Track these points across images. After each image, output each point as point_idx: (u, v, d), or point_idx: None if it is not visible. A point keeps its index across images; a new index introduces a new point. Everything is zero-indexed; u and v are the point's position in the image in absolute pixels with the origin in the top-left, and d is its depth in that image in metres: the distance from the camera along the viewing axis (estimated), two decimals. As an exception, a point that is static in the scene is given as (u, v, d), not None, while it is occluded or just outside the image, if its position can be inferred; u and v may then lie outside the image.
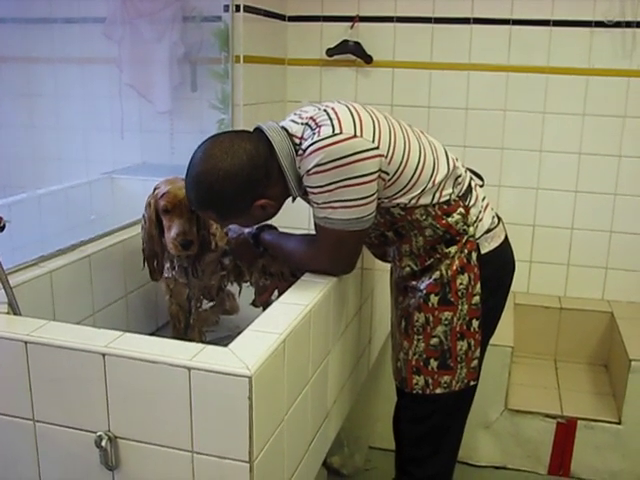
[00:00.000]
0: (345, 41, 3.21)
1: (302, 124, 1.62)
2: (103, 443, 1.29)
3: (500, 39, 3.10)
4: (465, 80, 3.18)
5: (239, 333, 1.37)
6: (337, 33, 3.24)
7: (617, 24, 2.94)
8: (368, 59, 3.22)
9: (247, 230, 1.93)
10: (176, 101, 2.91)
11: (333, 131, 1.54)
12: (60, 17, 2.84)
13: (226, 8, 2.78)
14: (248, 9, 2.84)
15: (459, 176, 1.73)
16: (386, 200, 1.65)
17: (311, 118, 1.61)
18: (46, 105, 2.95)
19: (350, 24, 3.20)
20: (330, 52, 3.24)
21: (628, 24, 2.92)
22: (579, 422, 2.70)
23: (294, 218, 2.14)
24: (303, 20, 3.29)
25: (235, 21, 2.80)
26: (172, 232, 1.81)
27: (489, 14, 3.08)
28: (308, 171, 1.56)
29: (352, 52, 3.22)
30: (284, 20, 3.28)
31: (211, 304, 2.12)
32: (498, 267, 1.80)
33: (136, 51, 2.89)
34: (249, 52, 2.88)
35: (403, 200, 1.65)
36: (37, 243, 1.99)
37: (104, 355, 1.26)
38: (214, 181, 1.55)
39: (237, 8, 2.79)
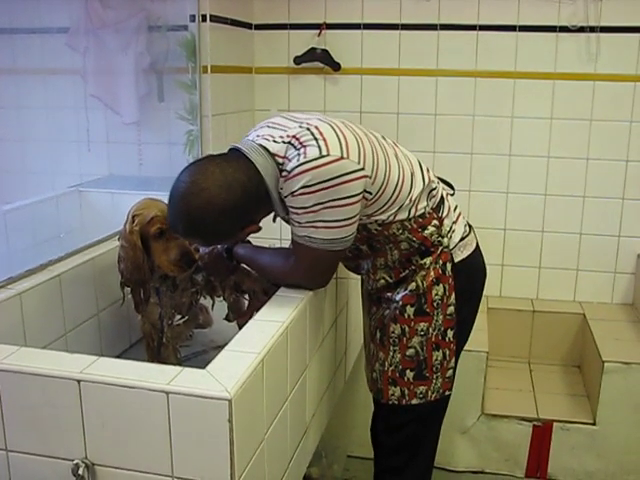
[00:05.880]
0: (312, 49, 3.20)
1: (284, 143, 1.57)
2: (80, 471, 1.26)
3: (467, 45, 3.11)
4: (433, 86, 3.19)
5: (214, 347, 1.35)
6: (304, 41, 3.23)
7: (581, 29, 2.97)
8: (336, 66, 3.22)
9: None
10: (143, 112, 2.87)
11: (320, 152, 1.50)
12: (21, 27, 2.78)
13: (192, 18, 2.75)
14: (214, 19, 2.81)
15: (433, 189, 1.73)
16: (365, 217, 1.64)
17: (294, 137, 1.56)
18: (9, 117, 2.89)
19: (317, 32, 3.19)
20: (298, 60, 3.23)
21: (592, 29, 2.96)
22: (555, 424, 2.73)
23: (266, 229, 2.12)
24: (270, 28, 3.27)
25: (202, 31, 2.76)
26: (172, 254, 1.80)
27: (456, 20, 3.10)
28: (293, 192, 1.52)
29: (320, 60, 3.21)
30: (251, 29, 3.26)
31: (184, 319, 2.10)
32: (470, 275, 1.81)
33: (101, 61, 2.85)
34: (216, 62, 2.85)
35: (382, 217, 1.65)
36: (4, 263, 1.95)
37: (79, 381, 1.23)
38: (207, 216, 1.51)
39: (203, 18, 2.76)
